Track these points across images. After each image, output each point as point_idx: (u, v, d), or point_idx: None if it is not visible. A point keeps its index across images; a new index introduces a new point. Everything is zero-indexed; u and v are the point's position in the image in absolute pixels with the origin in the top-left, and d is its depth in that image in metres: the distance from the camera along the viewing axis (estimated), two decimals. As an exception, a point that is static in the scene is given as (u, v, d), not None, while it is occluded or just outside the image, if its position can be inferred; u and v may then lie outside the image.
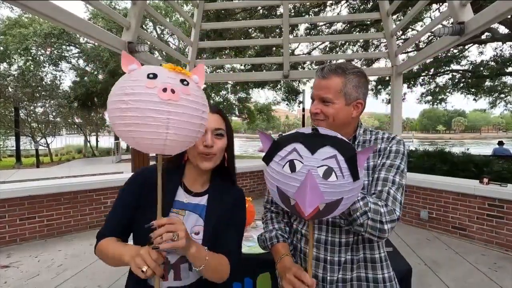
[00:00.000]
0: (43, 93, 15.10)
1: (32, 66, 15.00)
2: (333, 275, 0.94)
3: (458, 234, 3.74)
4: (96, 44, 13.51)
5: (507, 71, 9.34)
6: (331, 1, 8.78)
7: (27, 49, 14.00)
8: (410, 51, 9.04)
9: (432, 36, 8.07)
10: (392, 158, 0.92)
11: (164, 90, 0.64)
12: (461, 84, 10.53)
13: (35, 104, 15.85)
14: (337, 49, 10.33)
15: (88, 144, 23.07)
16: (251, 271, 1.68)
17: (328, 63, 0.99)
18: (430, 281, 2.69)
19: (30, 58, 14.91)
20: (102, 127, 23.71)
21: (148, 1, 3.11)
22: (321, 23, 9.52)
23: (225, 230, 0.96)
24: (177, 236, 0.70)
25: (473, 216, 3.61)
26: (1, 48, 14.72)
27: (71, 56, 16.99)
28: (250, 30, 9.39)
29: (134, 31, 2.88)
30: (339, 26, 9.67)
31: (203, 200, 0.97)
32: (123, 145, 20.90)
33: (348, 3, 9.03)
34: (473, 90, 10.59)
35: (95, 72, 16.86)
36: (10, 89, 13.79)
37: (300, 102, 12.89)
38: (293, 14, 8.45)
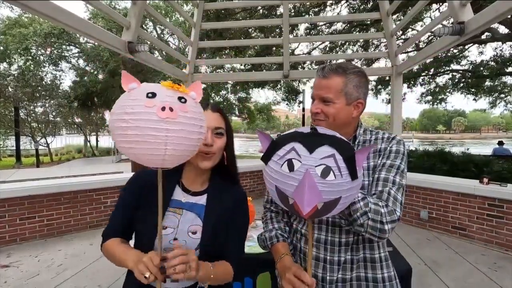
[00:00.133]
0: (43, 93, 15.11)
1: (32, 66, 14.98)
2: (333, 275, 0.94)
3: (458, 234, 3.74)
4: (96, 44, 13.50)
5: (507, 71, 9.33)
6: (331, 1, 8.77)
7: (27, 49, 13.97)
8: (410, 51, 9.03)
9: (432, 36, 8.07)
10: (392, 158, 0.92)
11: (163, 109, 0.67)
12: (461, 84, 10.52)
13: (35, 104, 15.86)
14: (337, 49, 10.32)
15: (88, 144, 23.08)
16: (251, 270, 1.69)
17: (328, 63, 0.99)
18: (430, 281, 2.69)
19: (30, 58, 14.87)
20: (102, 127, 23.69)
21: (148, 1, 3.10)
22: (321, 23, 9.51)
23: (226, 233, 0.95)
24: (189, 268, 0.74)
25: (473, 216, 3.61)
26: (1, 48, 14.70)
27: (71, 56, 16.97)
28: (250, 30, 9.38)
29: (134, 31, 2.87)
30: (339, 26, 9.66)
31: (202, 200, 0.96)
32: (123, 145, 20.89)
33: (348, 3, 9.02)
34: (473, 90, 10.57)
35: (95, 72, 16.84)
36: (10, 89, 13.80)
37: (300, 102, 12.88)
38: (293, 14, 8.45)
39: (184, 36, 4.48)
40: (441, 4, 7.90)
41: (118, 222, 0.94)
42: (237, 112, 20.05)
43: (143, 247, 0.85)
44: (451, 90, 10.93)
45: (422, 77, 10.70)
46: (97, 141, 26.52)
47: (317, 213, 0.63)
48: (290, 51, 7.53)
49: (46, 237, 3.69)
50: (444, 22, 7.00)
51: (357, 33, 9.20)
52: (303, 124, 7.32)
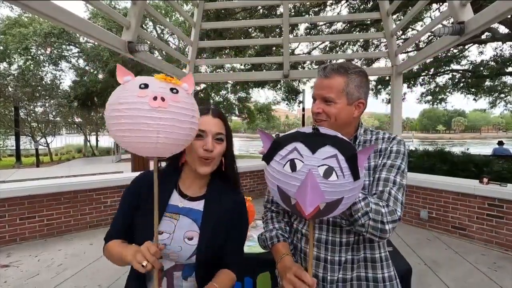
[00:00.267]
0: (43, 92, 15.10)
1: (32, 65, 14.97)
2: (334, 275, 0.94)
3: (458, 234, 3.74)
4: (96, 43, 13.51)
5: (507, 71, 9.33)
6: (331, 1, 8.77)
7: (27, 49, 13.97)
8: (410, 51, 9.03)
9: (432, 36, 8.07)
10: (393, 158, 0.92)
11: (155, 98, 0.70)
12: (461, 84, 10.52)
13: (35, 104, 15.85)
14: (337, 48, 10.32)
15: (88, 143, 23.07)
16: (251, 270, 1.69)
17: (330, 63, 0.99)
18: (430, 281, 2.69)
19: (30, 57, 14.87)
20: (102, 127, 23.69)
21: (148, 1, 3.10)
22: (321, 23, 9.51)
23: (225, 240, 0.95)
24: None
25: (473, 216, 3.61)
26: (1, 47, 14.69)
27: (71, 55, 16.96)
28: (250, 29, 9.38)
29: (134, 31, 2.87)
30: (339, 25, 9.66)
31: (199, 205, 0.96)
32: (123, 144, 20.88)
33: (348, 3, 9.02)
34: (473, 90, 10.58)
35: (95, 72, 16.82)
36: (10, 89, 13.79)
37: (300, 102, 12.89)
38: (293, 13, 8.44)
39: (184, 36, 4.48)
40: (441, 4, 7.90)
41: (119, 223, 0.95)
42: (237, 112, 20.06)
43: (139, 243, 0.86)
44: (451, 90, 10.93)
45: (422, 77, 10.70)
46: (97, 141, 26.52)
47: (319, 214, 0.63)
48: (290, 51, 7.53)
49: (46, 237, 3.69)
50: (444, 22, 7.00)
51: (357, 33, 9.20)
52: (303, 124, 7.32)
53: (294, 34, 9.69)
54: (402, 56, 6.69)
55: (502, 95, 11.55)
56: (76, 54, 17.05)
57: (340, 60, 6.45)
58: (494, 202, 3.43)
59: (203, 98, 16.36)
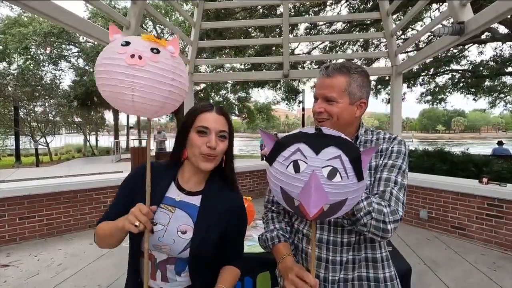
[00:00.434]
0: (42, 92, 15.06)
1: (31, 65, 14.94)
2: (335, 275, 0.94)
3: (458, 233, 3.74)
4: (95, 43, 13.49)
5: (507, 71, 9.34)
6: (331, 1, 8.77)
7: (26, 48, 13.94)
8: (410, 51, 9.04)
9: (432, 36, 8.07)
10: (394, 159, 0.92)
11: (132, 56, 0.72)
12: (461, 84, 10.53)
13: (35, 103, 15.81)
14: (337, 48, 10.33)
15: (88, 143, 23.03)
16: (251, 270, 1.69)
17: (332, 62, 0.99)
18: (429, 281, 2.69)
19: (30, 57, 14.84)
20: (102, 126, 23.68)
21: (148, 1, 3.10)
22: (321, 23, 9.51)
23: (225, 238, 0.95)
24: None
25: (472, 215, 3.61)
26: (1, 47, 14.67)
27: (70, 55, 16.93)
28: (250, 29, 9.38)
29: (134, 30, 2.87)
30: (339, 25, 9.67)
31: (196, 200, 0.96)
32: (123, 144, 20.92)
33: (348, 2, 9.02)
34: (472, 90, 10.58)
35: (95, 71, 16.79)
36: (10, 88, 13.75)
37: (300, 102, 12.89)
38: (293, 13, 8.45)
39: (184, 35, 4.48)
40: (441, 4, 7.90)
41: (114, 211, 0.94)
42: (237, 112, 20.05)
43: (134, 236, 0.86)
44: (451, 90, 10.95)
45: (422, 77, 10.71)
46: (96, 140, 26.49)
47: (323, 215, 0.63)
48: (290, 50, 7.52)
49: (45, 236, 3.69)
50: (444, 22, 7.00)
51: (357, 32, 9.20)
52: (303, 124, 7.32)
53: (294, 34, 9.69)
54: (402, 56, 6.70)
55: (502, 95, 11.56)
56: (76, 54, 17.03)
57: (340, 60, 6.44)
58: (493, 202, 3.43)
59: (203, 98, 16.36)
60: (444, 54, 9.43)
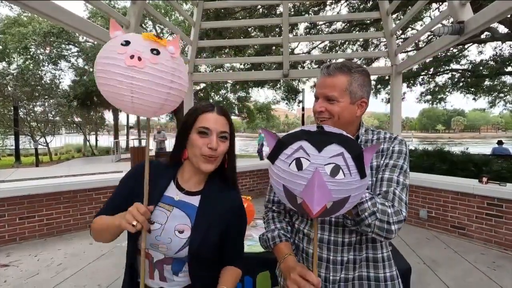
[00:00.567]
0: (42, 92, 15.03)
1: (31, 65, 14.91)
2: (336, 275, 0.94)
3: (457, 233, 3.74)
4: (95, 43, 13.47)
5: (507, 70, 9.35)
6: (330, 0, 8.77)
7: (26, 48, 13.92)
8: (410, 51, 9.03)
9: (432, 36, 8.07)
10: (395, 158, 0.92)
11: (132, 57, 0.70)
12: (461, 84, 10.53)
13: (35, 103, 15.78)
14: (337, 48, 10.32)
15: (88, 143, 23.00)
16: (250, 269, 1.69)
17: (333, 61, 0.99)
18: (429, 280, 2.70)
19: (29, 57, 14.81)
20: (102, 126, 23.64)
21: (147, 0, 3.10)
22: (320, 22, 9.51)
23: (224, 239, 0.95)
24: None
25: (472, 215, 3.61)
26: (0, 47, 14.66)
27: (70, 55, 16.91)
28: (249, 29, 9.37)
29: (134, 30, 2.87)
30: (338, 25, 9.66)
31: (195, 200, 0.95)
32: (123, 144, 20.90)
33: (347, 2, 9.02)
34: (472, 89, 10.58)
35: (94, 70, 16.77)
36: (9, 88, 13.73)
37: (299, 101, 12.88)
38: (292, 13, 8.44)
39: (184, 35, 4.48)
40: (440, 3, 7.90)
41: (111, 207, 0.95)
42: (236, 112, 20.03)
43: (131, 234, 0.86)
44: (451, 90, 10.95)
45: (421, 77, 10.71)
46: (96, 140, 26.46)
47: (326, 213, 0.62)
48: (290, 50, 7.52)
49: (45, 236, 3.69)
50: (444, 22, 6.99)
51: (357, 32, 9.20)
52: (303, 123, 7.32)
53: (294, 34, 9.69)
54: (401, 56, 6.69)
55: (502, 95, 11.57)
56: (76, 54, 17.01)
57: (340, 60, 6.44)
58: (493, 202, 3.44)
59: (202, 98, 16.34)
60: (444, 54, 9.43)
